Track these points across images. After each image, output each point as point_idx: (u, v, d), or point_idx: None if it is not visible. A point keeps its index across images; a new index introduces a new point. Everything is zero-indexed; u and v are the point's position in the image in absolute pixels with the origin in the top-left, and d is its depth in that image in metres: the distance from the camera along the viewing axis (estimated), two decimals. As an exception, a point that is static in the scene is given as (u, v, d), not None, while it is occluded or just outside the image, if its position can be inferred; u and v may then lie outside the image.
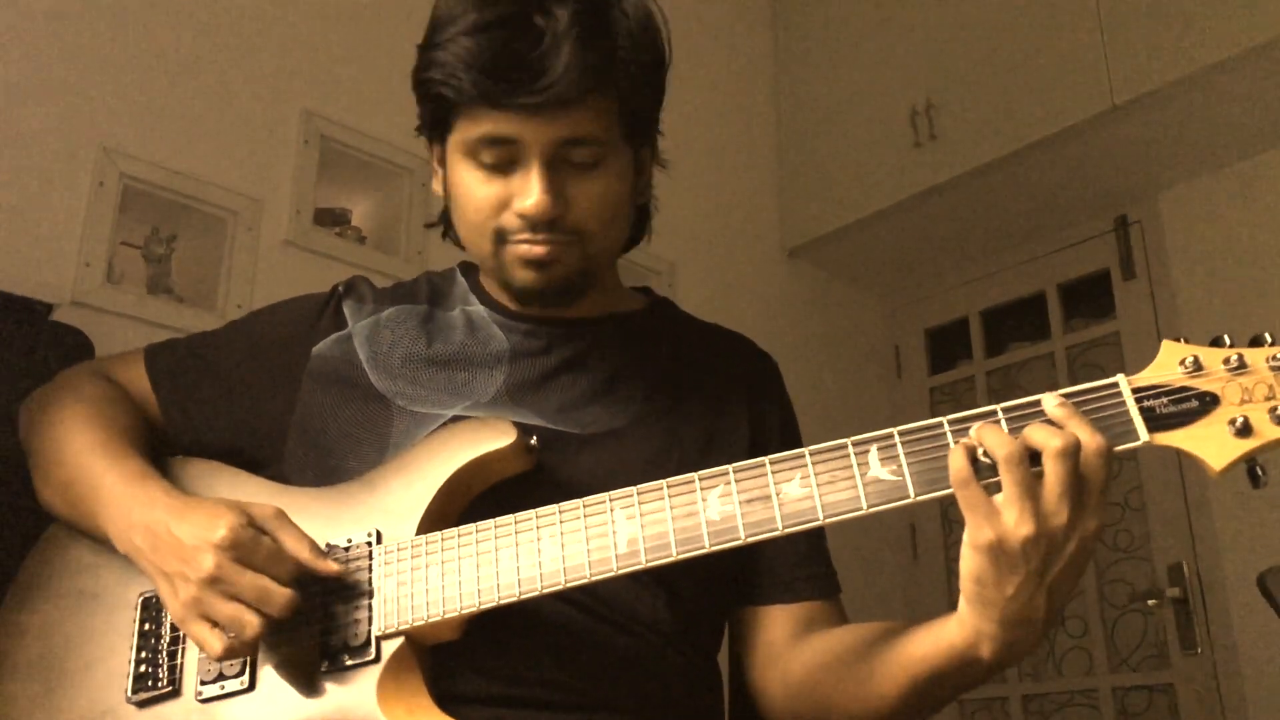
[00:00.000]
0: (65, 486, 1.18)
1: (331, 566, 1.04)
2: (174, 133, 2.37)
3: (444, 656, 1.05)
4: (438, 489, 1.08)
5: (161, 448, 1.26)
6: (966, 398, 3.80)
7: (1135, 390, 0.92)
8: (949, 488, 0.91)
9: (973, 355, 3.84)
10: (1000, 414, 0.93)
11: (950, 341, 3.96)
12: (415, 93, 1.18)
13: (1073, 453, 0.87)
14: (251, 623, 0.99)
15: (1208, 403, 0.90)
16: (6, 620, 1.19)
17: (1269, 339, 0.91)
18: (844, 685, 1.09)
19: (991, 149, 3.25)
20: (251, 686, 1.04)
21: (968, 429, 0.93)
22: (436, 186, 1.26)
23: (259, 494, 1.16)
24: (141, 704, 1.07)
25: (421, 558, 1.04)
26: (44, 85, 2.20)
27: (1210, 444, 0.89)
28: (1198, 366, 0.92)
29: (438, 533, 1.05)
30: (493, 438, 1.09)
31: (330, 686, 1.02)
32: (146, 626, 1.11)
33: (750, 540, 0.95)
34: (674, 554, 0.96)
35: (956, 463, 0.89)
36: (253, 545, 1.00)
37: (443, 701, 1.00)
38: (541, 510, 1.02)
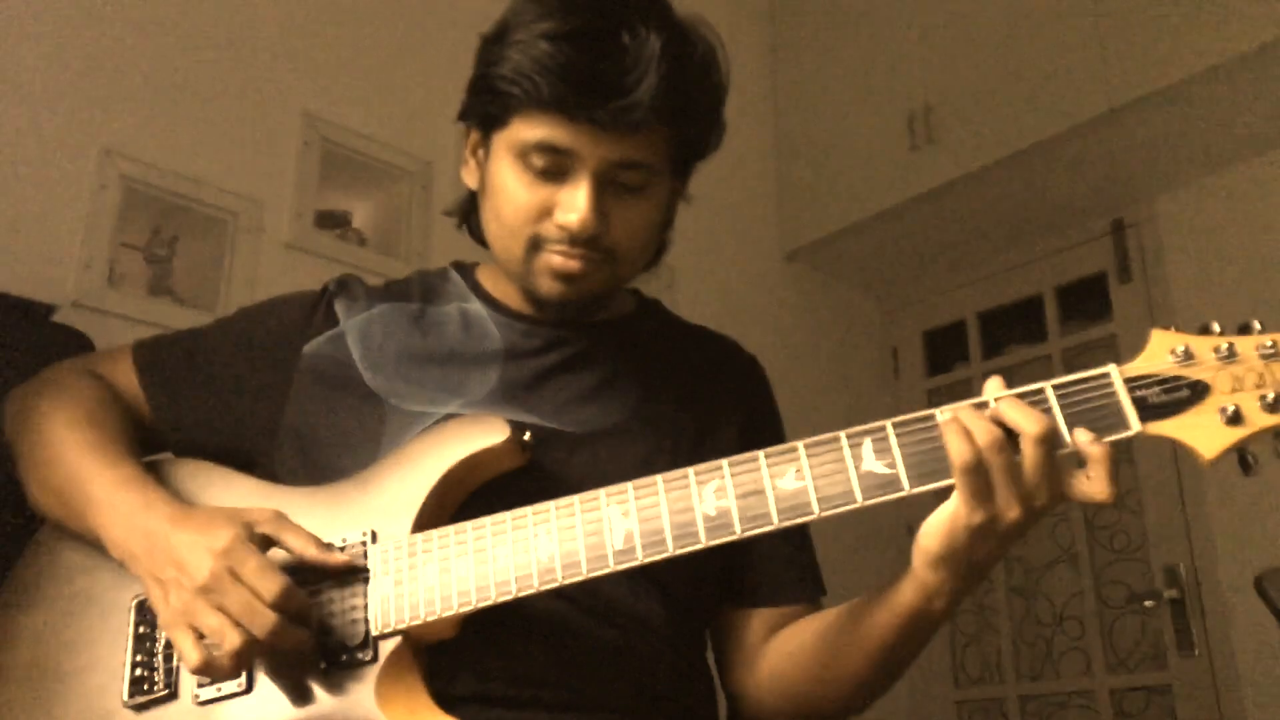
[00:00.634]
0: (57, 489, 1.17)
1: (339, 559, 1.04)
2: (175, 135, 2.38)
3: (441, 655, 1.05)
4: (431, 487, 1.07)
5: (150, 446, 1.25)
6: (964, 399, 3.79)
7: (1127, 380, 0.93)
8: (944, 479, 0.92)
9: (970, 357, 3.85)
10: (991, 404, 0.94)
11: (948, 344, 3.96)
12: (475, 83, 1.18)
13: (1048, 438, 0.90)
14: (232, 639, 0.97)
15: (1199, 391, 0.91)
16: (1, 626, 1.18)
17: (1258, 326, 0.91)
18: (813, 673, 1.12)
19: (989, 152, 3.25)
20: (249, 688, 1.03)
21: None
22: (468, 177, 1.26)
23: (252, 494, 1.15)
24: (138, 708, 1.07)
25: (417, 556, 1.04)
26: (46, 87, 2.20)
27: (1201, 433, 0.90)
28: (1188, 355, 0.92)
29: (433, 531, 1.05)
30: (486, 434, 1.09)
31: (328, 687, 1.01)
32: (142, 630, 1.10)
33: (746, 535, 0.95)
34: (670, 549, 0.96)
35: (959, 447, 0.90)
36: (245, 556, 1.00)
37: (440, 700, 1.00)
38: (537, 506, 1.02)
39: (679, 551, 0.96)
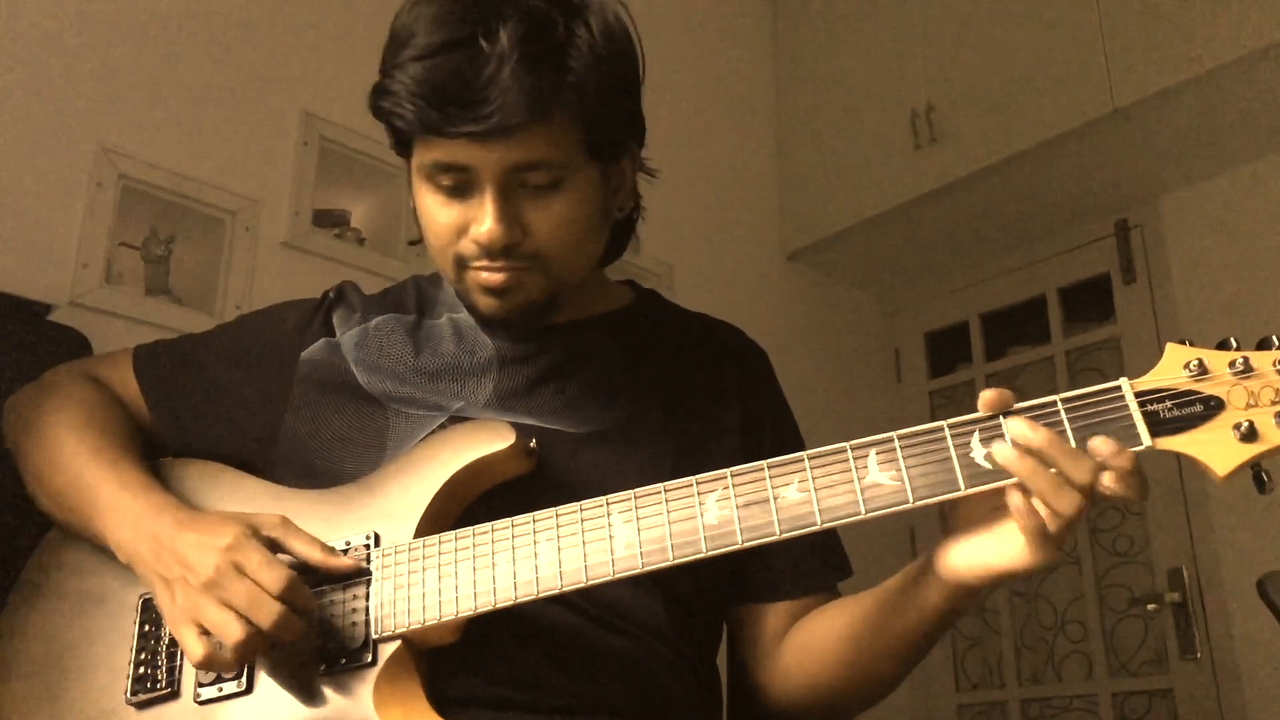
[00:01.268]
0: (62, 494, 1.18)
1: (345, 562, 1.05)
2: (173, 133, 2.37)
3: (441, 660, 1.05)
4: (436, 491, 1.08)
5: (150, 450, 1.25)
6: (966, 402, 3.79)
7: (1138, 394, 0.91)
8: (949, 492, 0.91)
9: (972, 359, 3.84)
10: (1001, 419, 0.93)
11: (950, 345, 3.95)
12: (380, 117, 1.14)
13: (1093, 486, 0.89)
14: (235, 631, 0.98)
15: (1212, 407, 0.89)
16: (9, 622, 1.19)
17: (1276, 342, 0.90)
18: (841, 669, 1.13)
19: (992, 152, 3.24)
20: (249, 689, 1.04)
21: (969, 433, 0.92)
22: (412, 203, 1.24)
23: (258, 496, 1.16)
24: (141, 705, 1.08)
25: (419, 561, 1.04)
26: (42, 85, 2.20)
27: (1215, 449, 0.88)
28: (1202, 370, 0.91)
29: (435, 536, 1.05)
30: (492, 440, 1.09)
31: (327, 689, 1.02)
32: (146, 628, 1.11)
33: (748, 545, 0.94)
34: (671, 559, 0.96)
35: (1019, 500, 0.89)
36: (249, 551, 1.01)
37: (440, 705, 1.00)
38: (539, 514, 1.02)
39: (680, 561, 0.96)
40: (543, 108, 1.07)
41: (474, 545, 1.03)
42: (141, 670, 1.09)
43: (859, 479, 0.93)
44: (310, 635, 1.03)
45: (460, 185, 1.11)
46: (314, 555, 1.04)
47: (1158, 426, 0.90)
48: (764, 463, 0.96)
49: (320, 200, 2.64)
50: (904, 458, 0.93)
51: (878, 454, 0.94)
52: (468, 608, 1.01)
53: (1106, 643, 3.36)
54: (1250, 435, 0.87)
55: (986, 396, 0.93)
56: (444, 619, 1.01)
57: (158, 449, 1.27)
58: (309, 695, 1.02)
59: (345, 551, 1.07)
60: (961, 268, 3.87)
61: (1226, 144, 3.17)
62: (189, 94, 2.42)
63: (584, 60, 1.10)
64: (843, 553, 1.28)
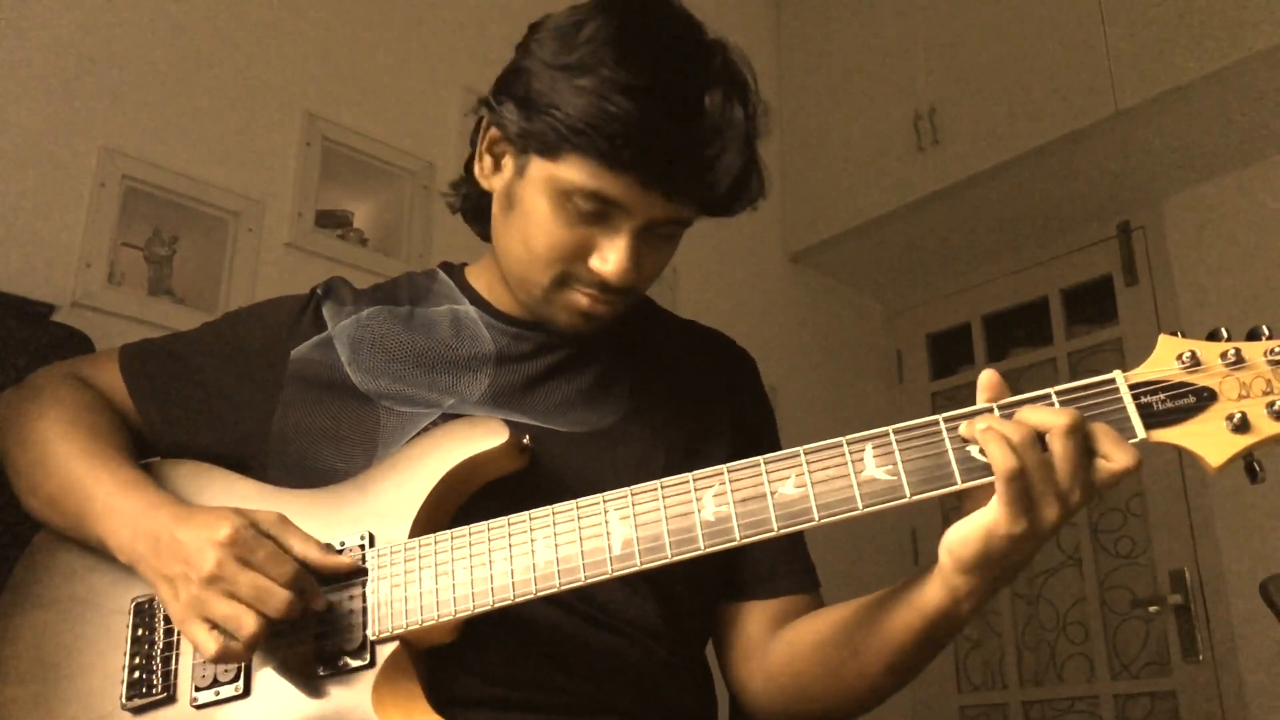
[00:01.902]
0: (54, 497, 1.16)
1: (343, 561, 1.04)
2: (176, 134, 2.37)
3: (439, 660, 1.05)
4: (430, 490, 1.07)
5: (141, 450, 1.24)
6: (968, 403, 3.73)
7: (1132, 386, 0.91)
8: (946, 487, 0.91)
9: (975, 361, 3.84)
10: (996, 411, 0.93)
11: (952, 347, 3.95)
12: (524, 108, 1.10)
13: (1078, 429, 0.88)
14: (249, 622, 0.97)
15: (1205, 398, 0.89)
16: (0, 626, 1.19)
17: (1266, 332, 0.90)
18: (826, 668, 1.10)
19: (994, 154, 3.24)
20: (246, 692, 1.03)
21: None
22: (485, 178, 1.21)
23: (250, 496, 1.15)
24: (136, 710, 1.07)
25: (415, 560, 1.03)
26: (46, 86, 2.20)
27: (1208, 440, 0.88)
28: (1195, 361, 0.91)
29: (431, 535, 1.04)
30: (485, 437, 1.08)
31: (326, 691, 1.01)
32: (140, 632, 1.10)
33: (746, 541, 0.94)
34: (669, 555, 0.96)
35: (1004, 456, 0.88)
36: (254, 544, 1.00)
37: (439, 705, 1.00)
38: (535, 512, 1.01)
39: (678, 558, 0.96)
40: (738, 192, 1.14)
41: (470, 544, 1.02)
42: (136, 675, 1.08)
43: (855, 474, 0.93)
44: (308, 637, 1.03)
45: (598, 214, 1.10)
46: (311, 554, 1.03)
47: (1151, 418, 0.90)
48: (760, 458, 0.96)
49: (323, 201, 2.65)
50: (900, 452, 0.93)
51: (874, 448, 0.93)
52: (465, 607, 1.00)
53: (1108, 644, 3.36)
54: (1243, 426, 0.87)
55: (988, 378, 0.94)
56: (441, 619, 1.00)
57: (147, 449, 1.25)
58: (307, 697, 1.01)
59: (340, 552, 1.06)
60: (963, 269, 3.86)
61: (1229, 146, 3.17)
62: (192, 95, 2.42)
63: (756, 125, 1.18)
64: (812, 565, 1.26)
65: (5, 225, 2.10)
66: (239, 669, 1.04)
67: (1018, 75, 3.23)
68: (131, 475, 1.13)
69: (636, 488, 0.99)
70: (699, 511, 0.96)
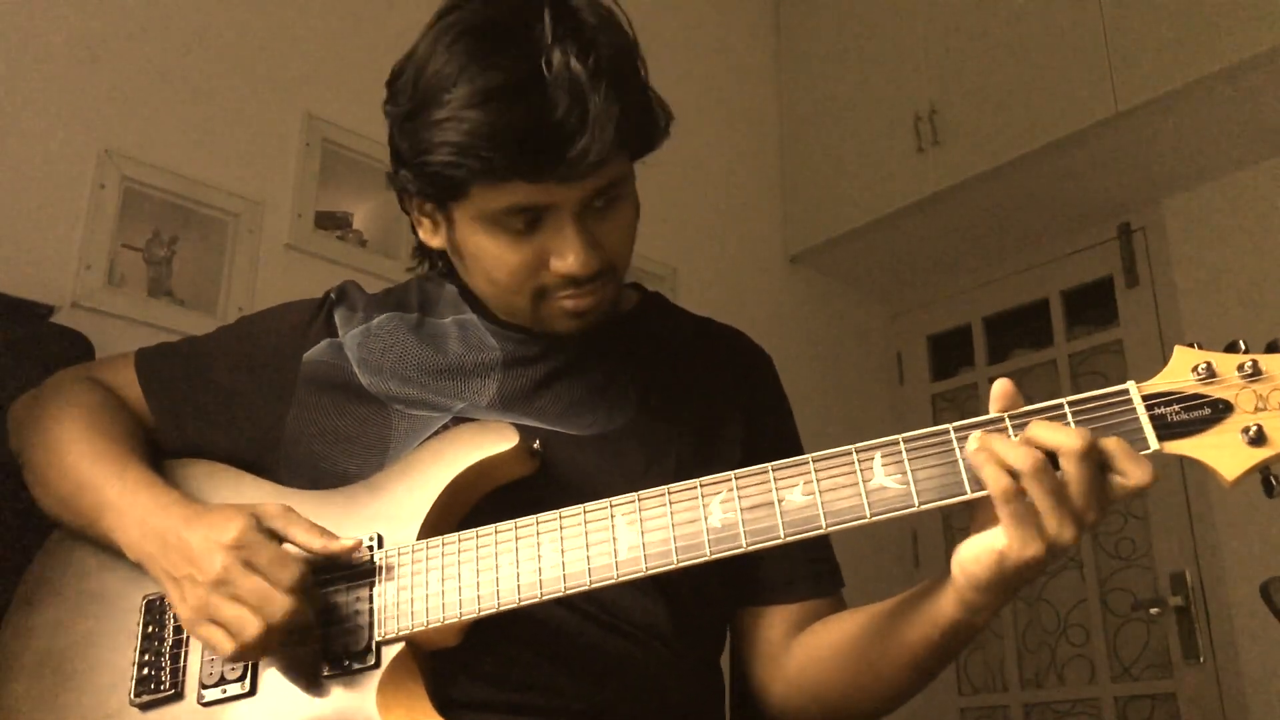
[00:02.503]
0: (69, 497, 1.17)
1: (346, 544, 1.04)
2: (175, 135, 2.37)
3: (445, 662, 1.05)
4: (440, 493, 1.07)
5: (155, 451, 1.25)
6: (969, 404, 3.79)
7: (1146, 397, 0.90)
8: (955, 497, 0.91)
9: (975, 362, 3.84)
10: (1008, 421, 0.92)
11: (953, 348, 3.95)
12: (409, 169, 1.10)
13: (1093, 452, 0.86)
14: (251, 624, 0.98)
15: (1220, 410, 0.88)
16: (13, 622, 1.19)
17: None
18: (844, 678, 1.11)
19: (995, 155, 3.24)
20: (253, 690, 1.04)
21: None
22: (429, 237, 1.22)
23: (261, 496, 1.15)
24: (144, 706, 1.07)
25: (423, 563, 1.03)
26: (45, 87, 2.20)
27: (1223, 453, 0.87)
28: (1210, 373, 0.89)
29: (439, 538, 1.04)
30: (496, 441, 1.08)
31: (331, 691, 1.01)
32: (150, 629, 1.11)
33: (752, 548, 0.94)
34: (675, 561, 0.96)
35: (998, 479, 0.87)
36: (258, 547, 1.00)
37: (444, 708, 1.00)
38: (543, 516, 1.01)
39: (684, 564, 0.96)
40: (620, 139, 1.05)
41: (477, 547, 1.02)
42: (145, 671, 1.08)
43: (864, 482, 0.92)
44: (314, 636, 1.03)
45: (531, 222, 1.09)
46: (314, 543, 1.03)
47: (1165, 430, 0.89)
48: (768, 465, 0.96)
49: (323, 202, 2.64)
50: (909, 461, 0.92)
51: (883, 457, 0.93)
52: (471, 610, 1.00)
53: (1109, 647, 3.36)
54: (1259, 439, 0.86)
55: (1002, 387, 0.93)
56: (447, 621, 1.01)
57: (161, 452, 1.26)
58: (313, 696, 1.02)
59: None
60: (964, 270, 3.86)
61: (1229, 147, 3.17)
62: (192, 96, 2.42)
63: (628, 74, 1.10)
64: (836, 565, 1.26)
65: (5, 226, 2.10)
66: (245, 668, 1.05)
67: (1018, 76, 3.23)
68: (142, 475, 1.14)
69: (644, 493, 0.99)
70: (706, 518, 0.96)
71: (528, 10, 1.07)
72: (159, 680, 1.08)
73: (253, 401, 1.26)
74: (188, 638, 1.09)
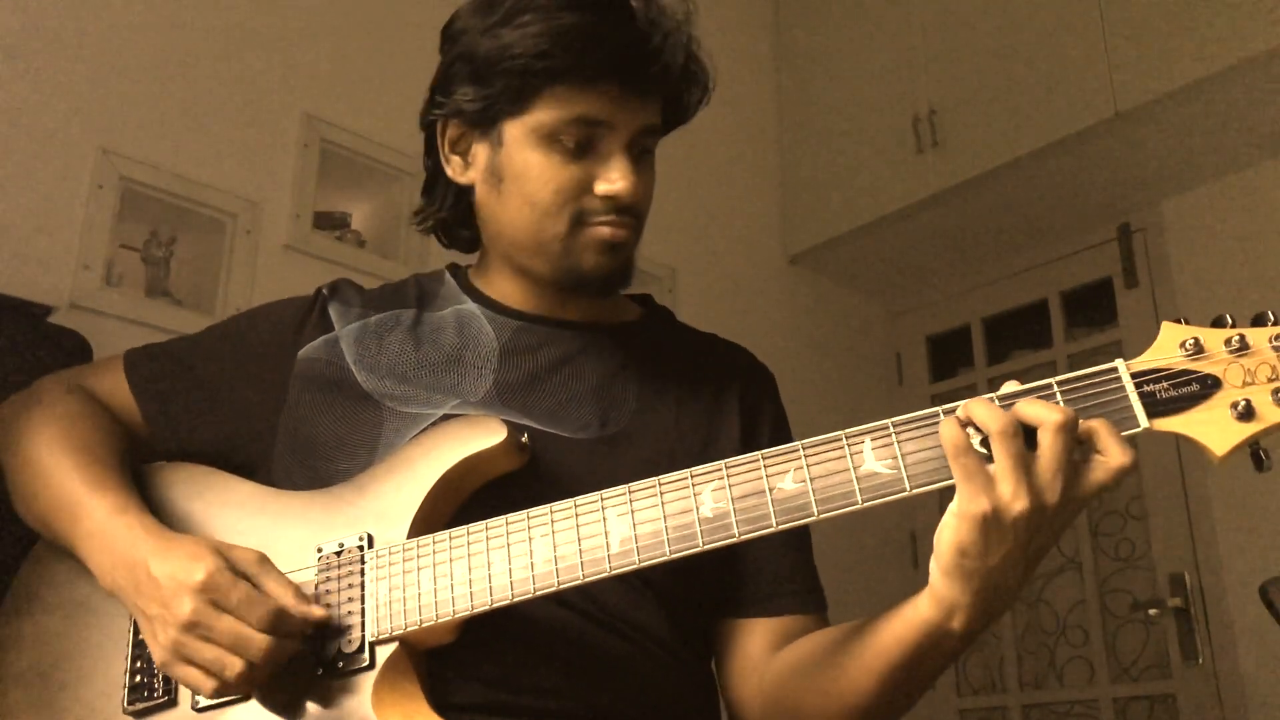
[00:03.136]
0: (43, 513, 1.16)
1: (316, 612, 1.02)
2: (173, 135, 2.37)
3: (441, 662, 1.04)
4: (428, 490, 1.07)
5: (145, 455, 1.24)
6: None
7: (1134, 375, 0.90)
8: (946, 480, 0.90)
9: (974, 363, 3.84)
10: (997, 400, 0.91)
11: (952, 349, 3.95)
12: (478, 81, 1.17)
13: (1070, 427, 0.86)
14: (233, 664, 0.97)
15: (1209, 386, 0.88)
16: (2, 632, 1.18)
17: (1272, 317, 0.88)
18: (817, 685, 1.07)
19: (994, 156, 3.24)
20: (247, 695, 1.03)
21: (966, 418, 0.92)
22: (459, 173, 1.24)
23: (249, 500, 1.15)
24: (138, 715, 1.07)
25: (414, 561, 1.03)
26: (43, 87, 2.20)
27: (1212, 429, 0.86)
28: (1198, 349, 0.89)
29: (429, 536, 1.04)
30: (483, 436, 1.08)
31: (326, 693, 1.01)
32: (141, 637, 1.09)
33: (745, 537, 0.93)
34: (668, 552, 0.95)
35: (950, 431, 0.87)
36: (228, 589, 0.98)
37: (440, 708, 1.00)
38: (533, 510, 1.01)
39: (677, 555, 0.95)
40: (689, 77, 1.21)
41: (468, 544, 1.02)
42: (138, 679, 1.07)
43: (855, 468, 0.92)
44: (307, 640, 1.02)
45: (583, 144, 1.15)
46: (287, 600, 1.01)
47: (1155, 407, 0.89)
48: (759, 453, 0.95)
49: (321, 202, 2.64)
50: (900, 445, 0.92)
51: (873, 441, 0.93)
52: (464, 607, 1.00)
53: (1108, 648, 3.35)
54: (1248, 414, 0.86)
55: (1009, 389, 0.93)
56: (441, 619, 1.00)
57: (152, 454, 1.25)
58: (307, 700, 1.01)
59: (339, 553, 1.06)
60: (963, 271, 3.86)
61: (1228, 148, 3.17)
62: (190, 96, 2.42)
63: (695, 38, 1.22)
64: (820, 587, 1.24)
65: (3, 226, 2.10)
66: None
67: (1018, 78, 3.23)
68: (117, 500, 1.11)
69: (635, 485, 0.98)
70: (698, 508, 0.95)
71: None
72: (151, 688, 1.07)
73: (244, 399, 1.25)
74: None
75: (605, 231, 1.16)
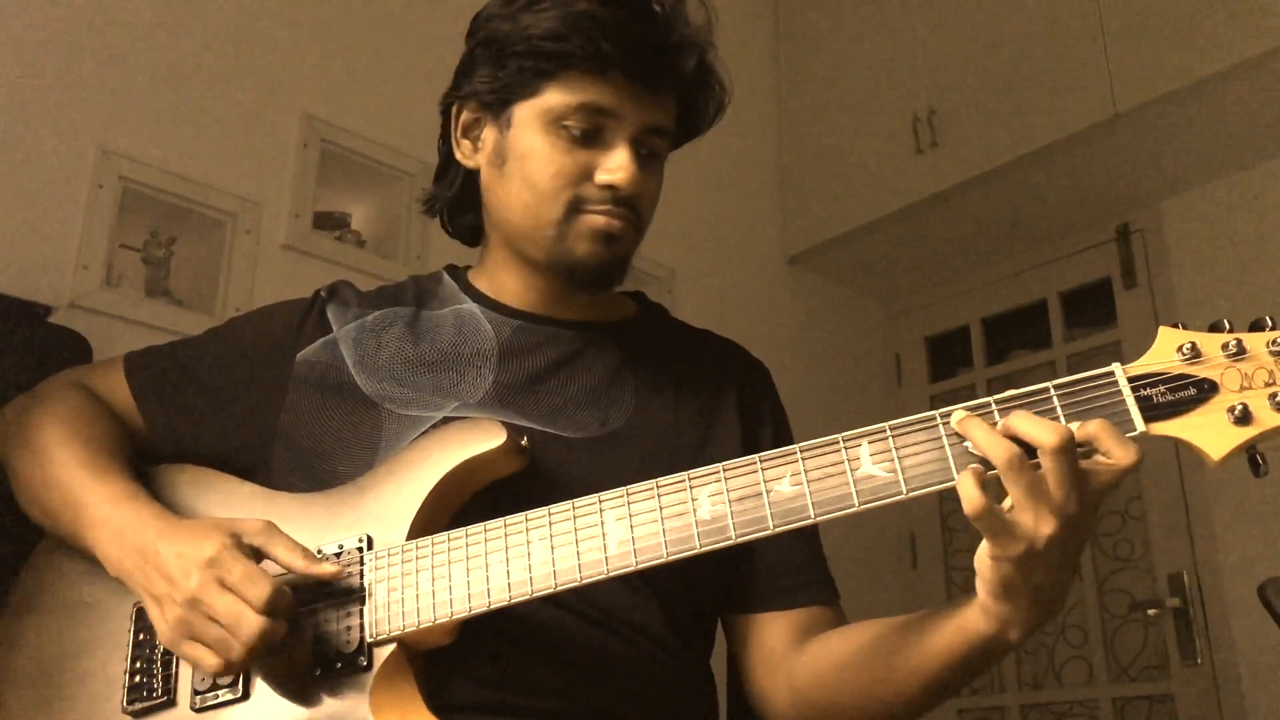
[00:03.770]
0: (50, 507, 1.16)
1: (327, 569, 1.03)
2: (173, 135, 2.37)
3: (438, 664, 1.05)
4: (428, 492, 1.07)
5: (145, 457, 1.24)
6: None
7: (1131, 379, 0.90)
8: (942, 483, 0.90)
9: (974, 363, 3.84)
10: (994, 405, 0.92)
11: (951, 349, 3.95)
12: (495, 63, 1.19)
13: (1068, 447, 0.86)
14: (226, 643, 0.98)
15: (1206, 390, 0.88)
16: (2, 631, 1.19)
17: (1270, 323, 0.88)
18: (857, 685, 1.08)
19: (993, 156, 3.24)
20: (245, 695, 1.03)
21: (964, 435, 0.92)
22: (472, 160, 1.26)
23: (250, 501, 1.15)
24: (137, 714, 1.07)
25: (412, 563, 1.03)
26: (43, 87, 2.20)
27: (1209, 433, 0.87)
28: (1195, 353, 0.89)
29: (428, 537, 1.04)
30: (483, 439, 1.08)
31: (324, 694, 1.01)
32: (141, 636, 1.10)
33: (741, 540, 0.93)
34: (665, 555, 0.95)
35: (970, 492, 0.86)
36: (231, 565, 0.99)
37: (438, 710, 1.00)
38: (531, 513, 1.01)
39: (674, 557, 0.95)
40: (700, 79, 1.23)
41: (467, 546, 1.02)
42: (137, 679, 1.08)
43: (852, 470, 0.92)
44: (305, 640, 1.03)
45: (589, 133, 1.16)
46: (296, 562, 1.03)
47: (1151, 411, 0.89)
48: (756, 456, 0.95)
49: (321, 202, 2.64)
50: (897, 448, 0.92)
51: (870, 444, 0.93)
52: (462, 609, 1.00)
53: (1107, 648, 3.35)
54: (1244, 418, 0.86)
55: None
56: (438, 621, 1.00)
57: (152, 457, 1.25)
58: (305, 701, 1.01)
59: (339, 555, 1.06)
60: (963, 272, 3.86)
61: (1228, 148, 3.17)
62: (190, 96, 2.42)
63: (712, 48, 1.24)
64: (832, 579, 1.25)
65: (2, 226, 2.09)
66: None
67: (1017, 78, 3.23)
68: (124, 488, 1.12)
69: (633, 487, 0.99)
70: (695, 511, 0.96)
71: None
72: (151, 688, 1.07)
73: (244, 402, 1.25)
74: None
75: (600, 220, 1.17)
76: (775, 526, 0.93)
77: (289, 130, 2.57)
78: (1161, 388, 0.89)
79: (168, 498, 1.16)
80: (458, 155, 1.27)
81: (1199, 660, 3.08)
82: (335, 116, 2.64)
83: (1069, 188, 3.36)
